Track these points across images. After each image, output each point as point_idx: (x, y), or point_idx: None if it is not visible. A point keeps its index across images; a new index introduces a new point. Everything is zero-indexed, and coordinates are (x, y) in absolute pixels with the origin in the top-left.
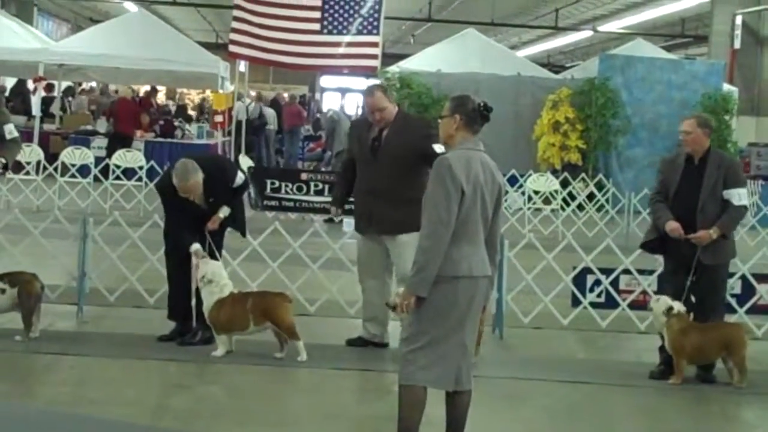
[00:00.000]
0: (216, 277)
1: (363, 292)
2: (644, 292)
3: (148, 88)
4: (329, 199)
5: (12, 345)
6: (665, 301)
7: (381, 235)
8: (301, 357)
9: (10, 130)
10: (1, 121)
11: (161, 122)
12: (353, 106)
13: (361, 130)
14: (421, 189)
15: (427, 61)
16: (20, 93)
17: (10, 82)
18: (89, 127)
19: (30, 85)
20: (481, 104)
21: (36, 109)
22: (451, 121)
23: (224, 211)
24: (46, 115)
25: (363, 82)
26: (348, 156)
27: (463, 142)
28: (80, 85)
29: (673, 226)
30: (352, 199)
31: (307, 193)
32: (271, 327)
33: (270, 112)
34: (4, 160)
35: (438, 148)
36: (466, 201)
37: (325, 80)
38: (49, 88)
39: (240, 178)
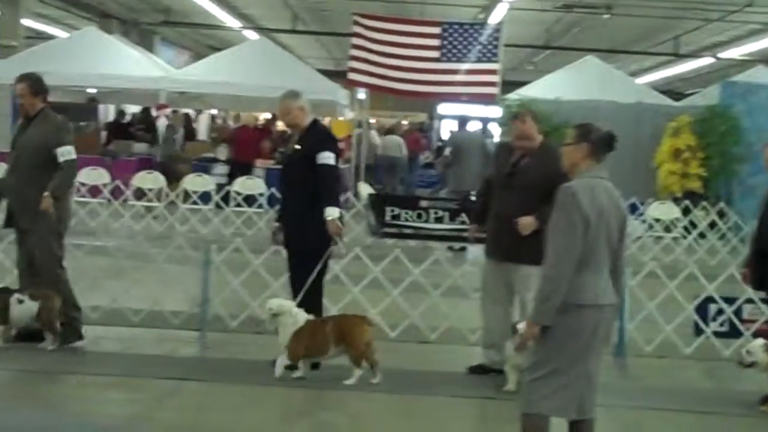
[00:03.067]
0: (283, 309)
1: (484, 318)
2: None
3: (268, 115)
4: (449, 226)
5: (136, 369)
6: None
7: (505, 262)
8: (350, 381)
9: (63, 153)
10: (56, 143)
11: (281, 150)
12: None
13: (504, 153)
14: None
15: (546, 88)
16: (145, 120)
17: (133, 110)
18: (210, 155)
19: (153, 112)
20: (607, 133)
21: (160, 136)
22: (576, 150)
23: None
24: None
25: (482, 110)
26: (488, 176)
27: (588, 171)
28: (200, 112)
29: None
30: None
31: (427, 220)
32: (345, 351)
33: (395, 140)
34: (47, 205)
35: None
36: (590, 230)
37: (443, 107)
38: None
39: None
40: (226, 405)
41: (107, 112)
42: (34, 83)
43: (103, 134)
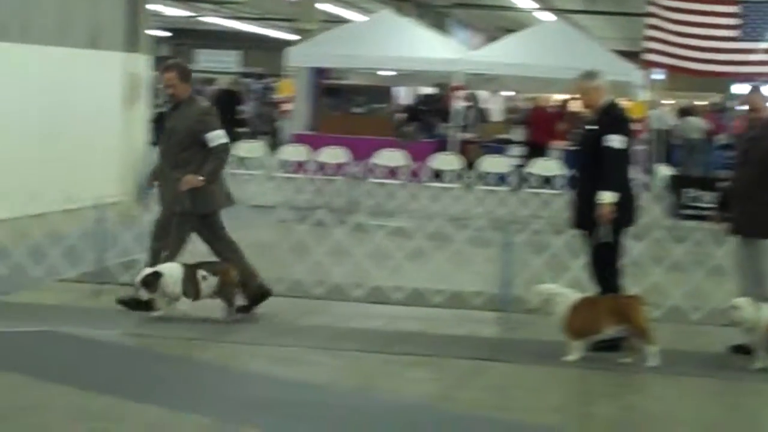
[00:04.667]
0: (552, 291)
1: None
2: None
3: (564, 96)
4: None
5: (438, 349)
6: None
7: (742, 237)
8: (651, 362)
9: (213, 138)
10: (204, 128)
11: (576, 131)
12: None
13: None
14: None
15: None
16: (440, 102)
17: (427, 92)
18: (505, 136)
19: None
20: None
21: (455, 118)
22: None
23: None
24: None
25: None
26: None
27: None
28: (494, 94)
29: None
30: None
31: None
32: (626, 330)
33: (695, 122)
34: (197, 180)
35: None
36: None
37: (736, 88)
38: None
39: None
40: (528, 385)
41: (402, 94)
42: (182, 71)
43: (399, 116)
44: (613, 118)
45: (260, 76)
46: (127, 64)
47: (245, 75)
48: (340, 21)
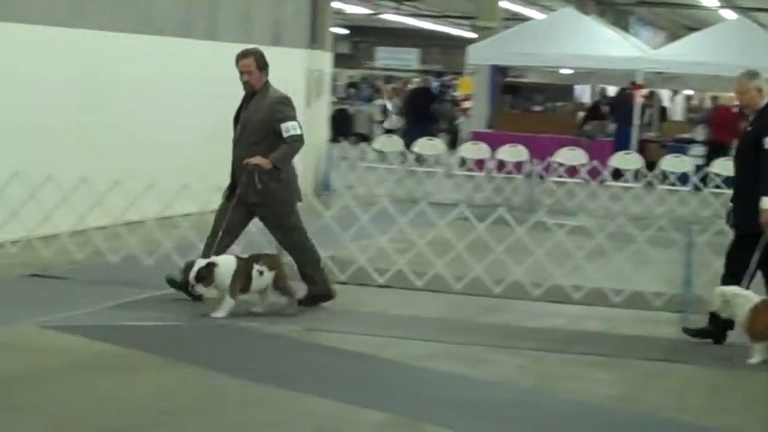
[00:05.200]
0: (734, 292)
1: None
2: None
3: None
4: None
5: (619, 349)
6: None
7: None
8: None
9: (287, 128)
10: (279, 118)
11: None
12: None
13: None
14: None
15: None
16: (620, 101)
17: (607, 91)
18: (687, 135)
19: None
20: None
21: (636, 117)
22: None
23: None
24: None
25: None
26: None
27: None
28: (676, 93)
29: None
30: None
31: None
32: None
33: None
34: (263, 161)
35: None
36: None
37: None
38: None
39: None
40: (708, 387)
41: (582, 93)
42: (259, 58)
43: (580, 114)
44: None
45: (438, 74)
46: (310, 61)
47: (423, 72)
48: (520, 19)
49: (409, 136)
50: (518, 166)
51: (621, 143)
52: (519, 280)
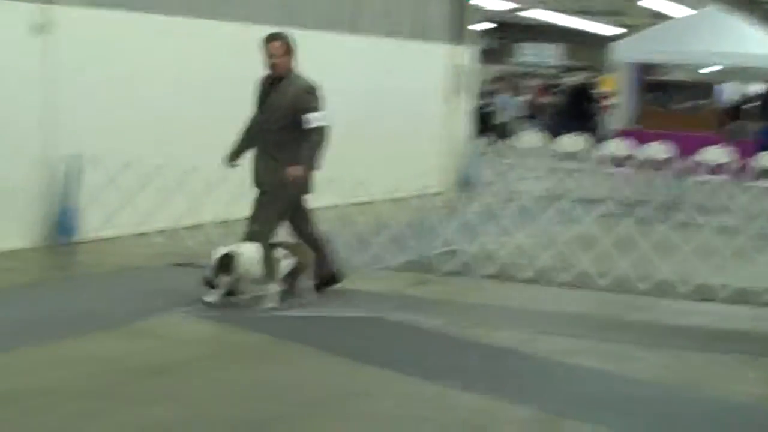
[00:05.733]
0: None
1: None
2: None
3: None
4: None
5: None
6: None
7: None
8: None
9: (313, 119)
10: (305, 108)
11: None
12: None
13: None
14: None
15: None
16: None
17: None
18: None
19: None
20: None
21: None
22: None
23: None
24: None
25: None
26: None
27: None
28: None
29: None
30: None
31: None
32: None
33: None
34: (299, 173)
35: None
36: None
37: None
38: None
39: None
40: None
41: (724, 91)
42: (289, 42)
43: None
44: None
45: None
46: (452, 56)
47: (565, 69)
48: (664, 16)
49: (559, 133)
50: (662, 163)
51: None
52: (665, 278)
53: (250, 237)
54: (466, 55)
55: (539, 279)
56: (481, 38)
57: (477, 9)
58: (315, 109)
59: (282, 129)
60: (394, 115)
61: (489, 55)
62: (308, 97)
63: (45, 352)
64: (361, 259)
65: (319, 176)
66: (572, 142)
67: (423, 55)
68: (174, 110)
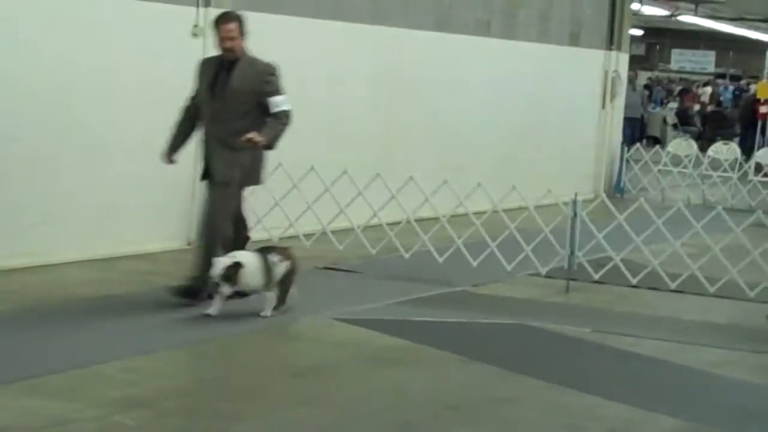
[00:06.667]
0: None
1: None
2: None
3: None
4: None
5: None
6: None
7: None
8: None
9: (277, 103)
10: (267, 91)
11: None
12: None
13: None
14: None
15: None
16: None
17: None
18: None
19: None
20: None
21: None
22: None
23: None
24: None
25: None
26: None
27: None
28: None
29: None
30: None
31: None
32: None
33: None
34: (260, 138)
35: None
36: None
37: None
38: None
39: None
40: None
41: None
42: (242, 23)
43: None
44: None
45: (733, 78)
46: (607, 62)
47: (719, 76)
48: None
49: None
50: None
51: None
52: None
53: (208, 234)
54: (620, 61)
55: (687, 288)
56: (633, 44)
57: (632, 15)
58: (279, 92)
59: (243, 115)
60: (549, 122)
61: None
62: (272, 79)
63: (189, 354)
64: (510, 265)
65: (472, 179)
66: (725, 149)
67: (578, 60)
68: (324, 112)
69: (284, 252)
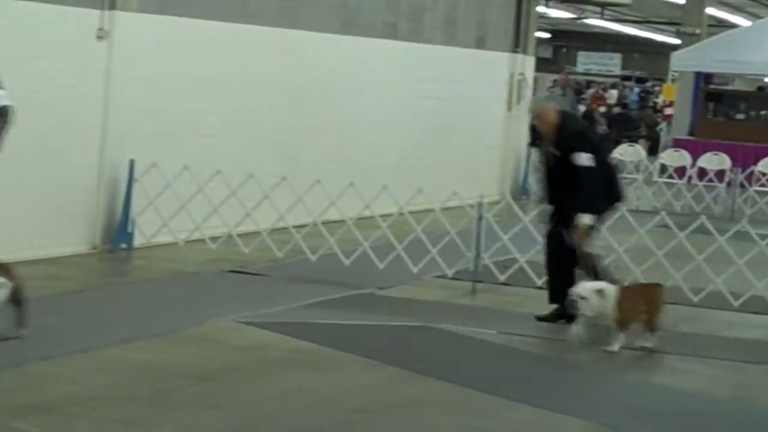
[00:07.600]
0: None
1: None
2: None
3: None
4: None
5: None
6: None
7: None
8: None
9: None
10: None
11: None
12: None
13: None
14: None
15: None
16: None
17: None
18: None
19: None
20: None
21: None
22: None
23: None
24: None
25: None
26: None
27: None
28: None
29: None
30: None
31: None
32: None
33: None
34: None
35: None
36: None
37: None
38: None
39: None
40: None
41: None
42: None
43: None
44: None
45: (640, 80)
46: (512, 65)
47: (625, 78)
48: (726, 26)
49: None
50: (720, 174)
51: None
52: (719, 290)
53: None
54: (526, 64)
55: None
56: (540, 47)
57: (538, 17)
58: None
59: None
60: (455, 124)
61: (543, 64)
62: None
63: (92, 359)
64: (416, 268)
65: (378, 182)
66: (630, 151)
67: (483, 63)
68: (230, 118)
69: (4, 268)
